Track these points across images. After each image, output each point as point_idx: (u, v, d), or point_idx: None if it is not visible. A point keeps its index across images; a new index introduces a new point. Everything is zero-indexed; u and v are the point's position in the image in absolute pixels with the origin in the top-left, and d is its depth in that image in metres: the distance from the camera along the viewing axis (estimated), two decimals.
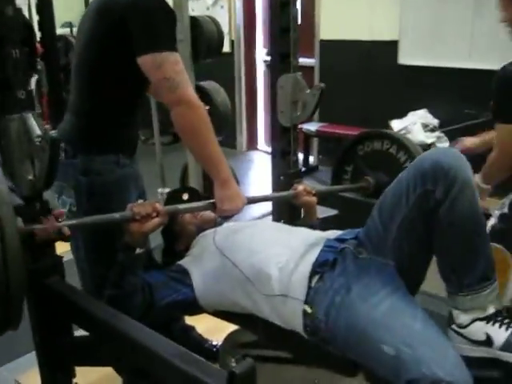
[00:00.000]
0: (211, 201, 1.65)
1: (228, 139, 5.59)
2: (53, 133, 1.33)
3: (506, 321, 1.29)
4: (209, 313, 1.63)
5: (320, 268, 1.45)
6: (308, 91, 2.15)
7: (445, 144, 4.36)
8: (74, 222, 1.52)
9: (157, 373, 1.20)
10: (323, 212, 2.37)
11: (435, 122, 4.38)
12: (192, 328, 2.18)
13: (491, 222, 1.97)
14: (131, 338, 1.26)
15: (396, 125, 4.26)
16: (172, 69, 1.51)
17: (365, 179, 2.17)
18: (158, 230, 1.58)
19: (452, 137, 4.37)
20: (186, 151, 2.85)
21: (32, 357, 1.61)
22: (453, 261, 1.34)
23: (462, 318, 1.32)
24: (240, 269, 1.51)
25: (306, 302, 1.41)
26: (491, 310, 1.32)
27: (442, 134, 4.36)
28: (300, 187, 1.88)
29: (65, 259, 1.50)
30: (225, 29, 5.64)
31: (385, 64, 4.50)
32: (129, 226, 1.49)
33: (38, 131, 1.32)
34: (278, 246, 1.55)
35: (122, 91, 1.68)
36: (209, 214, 1.78)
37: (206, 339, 2.20)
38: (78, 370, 1.56)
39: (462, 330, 1.32)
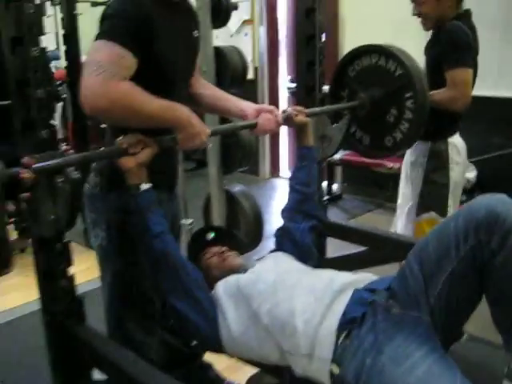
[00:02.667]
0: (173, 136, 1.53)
1: (251, 167, 5.57)
2: (75, 174, 1.30)
3: None
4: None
5: (348, 324, 1.35)
6: (334, 125, 2.11)
7: (472, 173, 4.28)
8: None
9: None
10: (352, 248, 2.30)
11: None
12: (210, 366, 2.12)
13: None
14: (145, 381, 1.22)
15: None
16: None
17: (359, 97, 2.10)
18: None
19: (480, 166, 4.30)
20: (209, 178, 2.83)
21: None
22: (508, 312, 1.25)
23: None
24: (265, 322, 1.44)
25: (332, 361, 1.33)
26: None
27: (470, 163, 4.29)
28: (289, 109, 1.83)
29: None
30: (248, 56, 5.70)
31: None
32: (123, 163, 1.44)
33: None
34: (302, 294, 1.46)
35: None
36: (236, 260, 1.73)
37: (224, 379, 2.13)
38: None
39: None
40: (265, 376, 1.72)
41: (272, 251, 1.81)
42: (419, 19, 2.34)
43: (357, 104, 2.08)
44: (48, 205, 1.31)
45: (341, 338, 1.33)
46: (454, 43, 2.18)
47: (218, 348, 1.54)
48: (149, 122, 1.45)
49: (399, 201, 2.60)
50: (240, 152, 2.85)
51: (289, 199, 1.88)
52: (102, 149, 1.50)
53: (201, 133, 1.52)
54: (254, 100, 5.81)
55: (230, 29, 5.71)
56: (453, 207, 2.39)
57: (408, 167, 2.47)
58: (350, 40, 4.83)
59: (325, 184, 5.22)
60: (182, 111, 1.50)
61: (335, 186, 5.30)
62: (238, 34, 5.76)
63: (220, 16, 2.77)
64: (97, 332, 1.46)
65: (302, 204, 1.85)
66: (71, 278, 1.45)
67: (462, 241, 1.25)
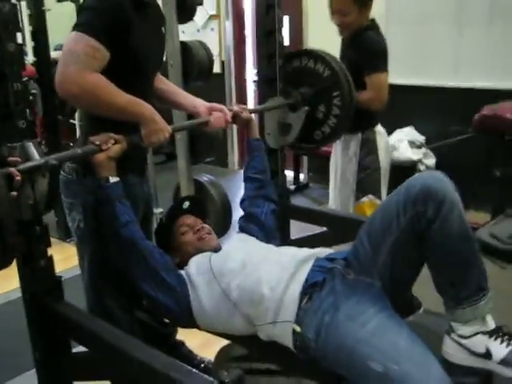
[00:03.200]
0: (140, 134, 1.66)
1: (219, 158, 5.68)
2: (52, 160, 1.41)
3: (507, 337, 1.37)
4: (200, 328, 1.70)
5: (310, 289, 1.51)
6: (292, 115, 2.25)
7: (431, 160, 4.48)
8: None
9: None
10: (312, 229, 2.47)
11: (422, 138, 4.49)
12: (182, 343, 2.24)
13: None
14: (128, 352, 1.34)
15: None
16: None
17: (292, 95, 2.30)
18: None
19: (438, 153, 4.50)
20: (178, 170, 2.94)
21: (32, 374, 1.67)
22: (449, 276, 1.42)
23: (464, 329, 1.40)
24: (235, 296, 1.57)
25: (295, 322, 1.47)
26: (490, 321, 1.40)
27: (429, 151, 4.48)
28: (235, 107, 2.01)
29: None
30: (215, 50, 5.82)
31: None
32: (95, 159, 1.57)
33: (37, 158, 1.41)
34: (268, 266, 1.61)
35: None
36: (213, 242, 1.85)
37: (196, 355, 2.25)
38: None
39: (462, 341, 1.40)
40: (234, 347, 1.85)
41: (237, 233, 1.95)
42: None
43: (292, 102, 2.29)
44: (27, 191, 1.42)
45: (303, 302, 1.48)
46: (370, 52, 2.45)
47: (190, 322, 1.67)
48: (114, 113, 1.59)
49: (331, 190, 2.89)
50: (207, 143, 2.96)
51: (246, 189, 2.04)
52: (76, 148, 1.61)
53: (163, 129, 1.66)
54: (222, 92, 5.96)
55: (196, 23, 5.80)
56: (385, 189, 2.66)
57: (339, 159, 2.69)
58: (313, 28, 5.00)
59: (291, 174, 5.38)
60: (147, 107, 1.64)
61: (302, 176, 5.45)
62: (205, 29, 5.85)
63: (185, 11, 2.85)
64: (74, 307, 1.58)
65: (261, 190, 2.01)
66: (50, 259, 1.55)
67: (402, 213, 1.41)
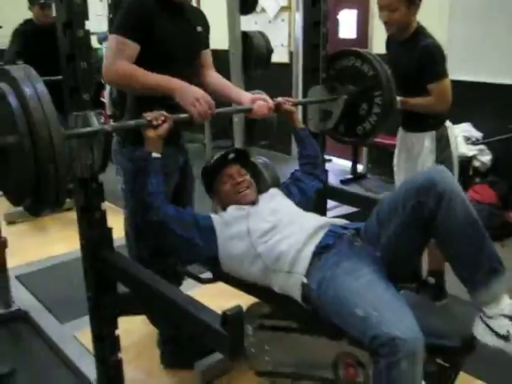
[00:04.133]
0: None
1: (283, 146, 5.91)
2: (107, 127, 1.70)
3: None
4: (225, 280, 1.95)
5: (321, 250, 1.75)
6: (333, 102, 2.44)
7: (486, 157, 4.50)
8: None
9: (175, 315, 1.55)
10: (347, 209, 2.66)
11: (478, 135, 4.52)
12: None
13: None
14: (160, 291, 1.61)
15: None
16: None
17: (337, 90, 2.47)
18: None
19: (494, 150, 4.50)
20: None
21: (87, 318, 1.98)
22: (461, 262, 1.61)
23: (489, 311, 1.58)
24: (260, 251, 1.81)
25: (304, 275, 1.71)
26: (505, 301, 1.57)
27: (485, 147, 4.50)
28: (279, 98, 2.20)
29: None
30: (285, 41, 6.03)
31: None
32: (145, 132, 1.82)
33: (96, 125, 1.69)
34: (293, 226, 1.85)
35: None
36: (249, 197, 2.05)
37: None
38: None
39: (489, 322, 1.58)
40: (262, 306, 2.08)
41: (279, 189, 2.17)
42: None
43: (335, 96, 2.47)
44: (87, 152, 1.71)
45: (314, 260, 1.72)
46: (433, 61, 2.56)
47: (212, 262, 1.93)
48: (149, 90, 1.94)
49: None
50: (262, 127, 3.18)
51: (301, 166, 2.28)
52: (131, 120, 1.90)
53: (200, 97, 1.90)
54: (290, 82, 6.13)
55: (268, 15, 6.04)
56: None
57: (413, 157, 2.79)
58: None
59: (349, 163, 5.53)
60: (175, 81, 1.94)
61: (360, 167, 5.58)
62: (276, 20, 6.07)
63: (248, 3, 3.09)
64: (120, 254, 1.87)
65: (314, 170, 2.25)
66: (104, 212, 1.84)
67: (407, 200, 1.63)
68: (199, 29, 2.19)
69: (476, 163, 4.46)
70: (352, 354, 1.79)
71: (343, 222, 1.92)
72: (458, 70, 4.48)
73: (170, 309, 1.57)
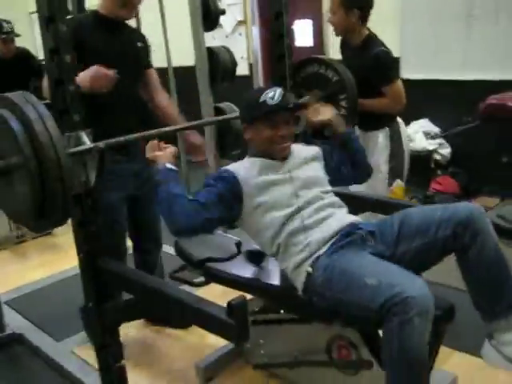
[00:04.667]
0: None
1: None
2: (100, 144, 1.81)
3: None
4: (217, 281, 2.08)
5: (334, 245, 1.80)
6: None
7: (446, 150, 4.73)
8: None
9: (184, 313, 1.69)
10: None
11: (436, 130, 4.76)
12: None
13: None
14: (167, 293, 1.72)
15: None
16: None
17: (304, 96, 2.61)
18: None
19: (452, 143, 4.74)
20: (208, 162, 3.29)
21: (83, 334, 2.07)
22: (484, 295, 1.74)
23: (502, 337, 1.72)
24: (282, 228, 1.83)
25: (309, 265, 1.77)
26: None
27: (444, 141, 4.74)
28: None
29: None
30: (244, 54, 6.20)
31: None
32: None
33: (88, 144, 1.80)
34: (330, 210, 1.90)
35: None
36: (287, 149, 1.96)
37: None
38: None
39: (501, 348, 1.73)
40: (254, 301, 2.20)
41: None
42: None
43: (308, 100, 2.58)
44: (80, 170, 1.81)
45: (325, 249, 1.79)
46: (384, 66, 2.76)
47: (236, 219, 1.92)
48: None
49: None
50: (231, 137, 3.30)
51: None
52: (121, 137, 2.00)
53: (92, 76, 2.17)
54: None
55: (225, 30, 6.20)
56: (406, 172, 3.02)
57: (368, 154, 2.90)
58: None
59: None
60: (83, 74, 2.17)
61: None
62: (233, 34, 6.24)
63: (210, 20, 3.22)
64: (115, 262, 1.98)
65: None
66: (99, 226, 1.95)
67: (444, 226, 1.73)
68: (139, 44, 2.47)
69: (437, 156, 4.70)
70: (344, 335, 1.93)
71: (359, 220, 1.96)
72: (413, 69, 4.74)
73: (177, 308, 1.68)
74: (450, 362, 2.34)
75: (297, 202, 1.86)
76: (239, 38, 6.25)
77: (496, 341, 1.74)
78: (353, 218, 1.94)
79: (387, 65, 2.79)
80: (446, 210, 1.77)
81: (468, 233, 1.69)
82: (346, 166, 2.11)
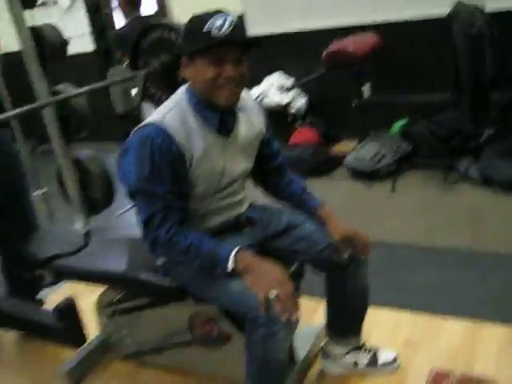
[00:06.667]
0: None
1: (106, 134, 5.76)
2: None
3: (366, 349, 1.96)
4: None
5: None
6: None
7: (301, 100, 4.77)
8: None
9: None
10: None
11: (290, 81, 4.77)
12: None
13: None
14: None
15: (254, 91, 4.60)
16: None
17: (151, 64, 2.45)
18: None
19: (308, 91, 4.78)
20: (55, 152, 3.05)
21: None
22: (341, 318, 1.92)
23: (338, 349, 1.96)
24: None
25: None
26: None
27: (299, 90, 4.76)
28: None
29: None
30: (86, 29, 5.84)
31: None
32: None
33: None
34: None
35: None
36: (235, 95, 1.60)
37: None
38: None
39: (337, 360, 1.96)
40: (108, 293, 2.08)
41: None
42: None
43: (146, 72, 2.45)
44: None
45: None
46: None
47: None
48: None
49: None
50: (75, 121, 3.09)
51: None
52: None
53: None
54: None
55: (60, 5, 5.79)
56: None
57: None
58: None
59: None
60: None
61: None
62: (71, 10, 5.83)
63: None
64: None
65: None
66: None
67: (326, 249, 1.75)
68: None
69: (292, 110, 4.71)
70: (201, 312, 1.88)
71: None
72: (260, 25, 4.70)
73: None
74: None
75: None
76: (79, 13, 5.85)
77: (334, 355, 1.97)
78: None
79: None
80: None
81: (349, 258, 1.75)
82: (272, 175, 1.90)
